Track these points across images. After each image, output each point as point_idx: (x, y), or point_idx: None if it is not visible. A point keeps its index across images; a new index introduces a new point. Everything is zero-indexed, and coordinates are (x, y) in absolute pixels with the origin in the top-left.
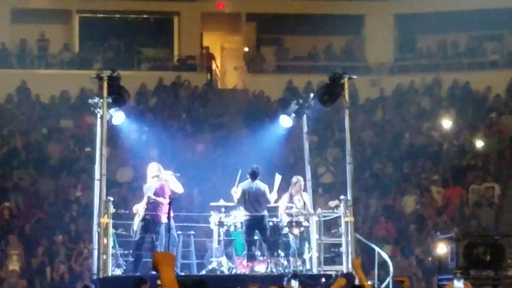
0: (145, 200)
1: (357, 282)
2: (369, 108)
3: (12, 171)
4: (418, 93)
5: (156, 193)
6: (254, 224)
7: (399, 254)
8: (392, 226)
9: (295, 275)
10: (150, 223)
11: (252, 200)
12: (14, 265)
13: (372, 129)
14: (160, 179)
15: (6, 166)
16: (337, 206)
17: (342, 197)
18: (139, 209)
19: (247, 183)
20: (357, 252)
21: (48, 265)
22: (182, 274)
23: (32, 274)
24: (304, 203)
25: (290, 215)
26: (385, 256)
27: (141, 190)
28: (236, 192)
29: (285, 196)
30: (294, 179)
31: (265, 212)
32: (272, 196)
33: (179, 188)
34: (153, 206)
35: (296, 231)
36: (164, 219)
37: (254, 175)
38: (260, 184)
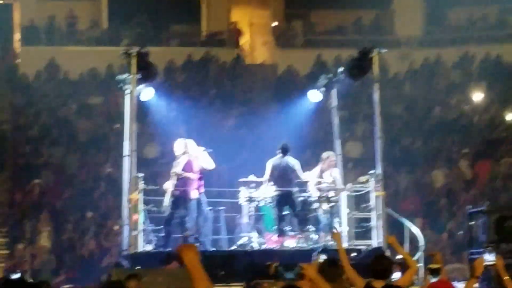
0: (173, 176)
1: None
2: (399, 82)
3: (42, 148)
4: (447, 66)
5: (183, 169)
6: (284, 199)
7: (429, 228)
8: (422, 201)
9: (325, 250)
10: (179, 199)
11: (282, 175)
12: (44, 241)
13: (402, 103)
14: (190, 155)
15: (37, 143)
16: (366, 181)
17: (372, 171)
18: (169, 185)
19: (277, 159)
20: (387, 227)
21: (78, 242)
22: (212, 249)
23: (62, 251)
24: (334, 178)
25: (320, 190)
26: (415, 230)
27: (168, 166)
28: (268, 169)
29: (315, 171)
30: (325, 154)
31: (295, 188)
32: (304, 174)
33: (210, 164)
34: (182, 182)
35: (326, 206)
36: (193, 195)
37: (284, 151)
38: (290, 160)
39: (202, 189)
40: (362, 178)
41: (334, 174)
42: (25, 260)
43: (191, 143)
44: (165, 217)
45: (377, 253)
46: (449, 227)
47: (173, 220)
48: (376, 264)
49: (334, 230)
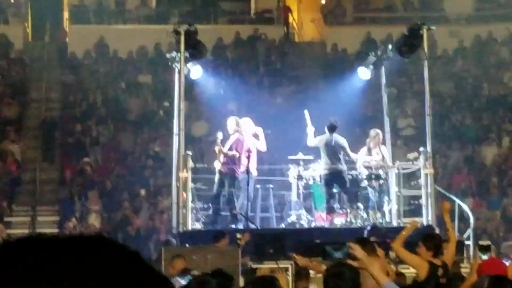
0: (219, 154)
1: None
2: (448, 59)
3: (92, 127)
4: (497, 43)
5: (231, 147)
6: (333, 177)
7: (481, 206)
8: (473, 178)
9: (374, 228)
10: (226, 177)
11: (331, 153)
12: (94, 219)
13: (451, 81)
14: (240, 133)
15: (86, 121)
16: (416, 158)
17: (421, 149)
18: (217, 163)
19: (325, 136)
20: (437, 204)
21: (128, 220)
22: (262, 227)
23: (112, 229)
24: (383, 155)
25: (369, 168)
26: (465, 207)
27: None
28: (312, 139)
29: (364, 149)
30: (373, 132)
31: (344, 165)
32: (352, 153)
33: (263, 146)
34: (229, 160)
35: (375, 183)
36: (241, 173)
37: (332, 128)
38: (339, 138)
39: (252, 167)
40: (411, 155)
41: (383, 152)
42: None
43: (248, 122)
44: (212, 195)
45: (431, 230)
46: (502, 205)
47: (220, 198)
48: (432, 241)
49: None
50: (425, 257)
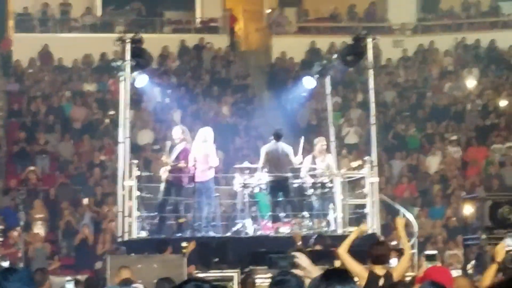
0: (165, 163)
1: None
2: (392, 69)
3: (36, 136)
4: (440, 53)
5: (177, 157)
6: (278, 186)
7: (424, 215)
8: (416, 187)
9: (319, 236)
10: (172, 186)
11: (276, 161)
12: (39, 228)
13: (395, 90)
14: (187, 143)
15: (31, 130)
16: (359, 166)
17: (366, 157)
18: (163, 171)
19: (270, 145)
20: (381, 213)
21: (73, 229)
22: (207, 236)
23: (57, 238)
24: (328, 164)
25: (313, 176)
26: (409, 216)
27: (161, 153)
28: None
29: (308, 158)
30: (316, 140)
31: (289, 174)
32: (296, 159)
33: (215, 162)
34: (176, 169)
35: (320, 192)
36: (187, 182)
37: (278, 137)
38: (284, 146)
39: (201, 176)
40: (354, 164)
41: (327, 160)
42: (19, 248)
43: (210, 135)
44: (158, 203)
45: (375, 239)
46: (444, 214)
47: (166, 206)
48: (375, 250)
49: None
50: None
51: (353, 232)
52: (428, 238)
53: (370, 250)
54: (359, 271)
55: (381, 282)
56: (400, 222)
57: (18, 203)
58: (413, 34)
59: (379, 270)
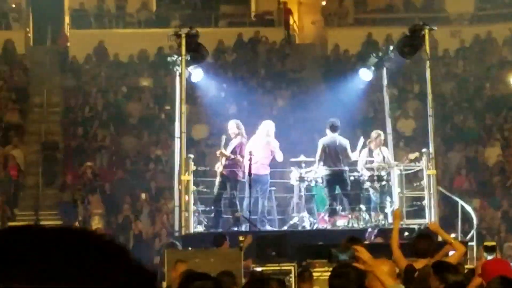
0: (221, 157)
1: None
2: (449, 60)
3: (93, 131)
4: (498, 43)
5: (233, 151)
6: (335, 179)
7: (483, 207)
8: (475, 179)
9: (380, 230)
10: (227, 180)
11: (333, 155)
12: (97, 223)
13: (453, 81)
14: (242, 137)
15: (88, 126)
16: (416, 159)
17: (423, 150)
18: (218, 166)
19: (327, 138)
20: (439, 205)
21: (130, 223)
22: (264, 230)
23: (114, 233)
24: (384, 156)
25: (370, 169)
26: (468, 208)
27: (216, 148)
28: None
29: (365, 151)
30: (374, 133)
31: (346, 167)
32: (353, 155)
33: (280, 156)
34: (231, 163)
35: (377, 185)
36: (242, 176)
37: (333, 128)
38: (341, 139)
39: (258, 170)
40: (412, 156)
41: (384, 153)
42: None
43: (272, 128)
44: (213, 197)
45: (420, 232)
46: (504, 205)
47: (222, 200)
48: (418, 244)
49: (395, 208)
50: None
51: (395, 221)
52: (488, 230)
53: (414, 243)
54: (400, 262)
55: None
56: (433, 227)
57: (76, 198)
58: (470, 24)
59: (419, 263)
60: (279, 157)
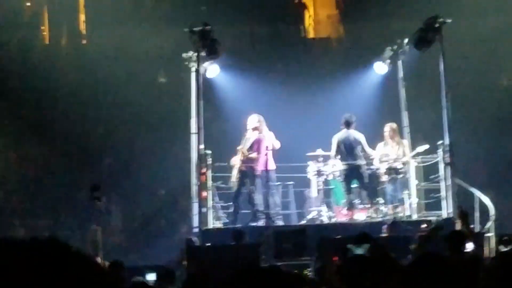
0: (239, 152)
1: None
2: (465, 51)
3: (111, 128)
4: None
5: (251, 147)
6: (352, 173)
7: (501, 198)
8: (492, 170)
9: (395, 222)
10: (246, 175)
11: (348, 150)
12: (115, 221)
13: (469, 72)
14: (260, 132)
15: (106, 123)
16: (426, 151)
17: (440, 142)
18: (236, 161)
19: (342, 134)
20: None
21: (149, 220)
22: (282, 224)
23: (133, 230)
24: (401, 149)
25: (386, 162)
26: (486, 200)
27: (235, 143)
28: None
29: (380, 144)
30: (386, 127)
31: (362, 161)
32: (369, 150)
33: (277, 144)
34: (248, 158)
35: (394, 177)
36: (260, 171)
37: (348, 124)
38: (355, 134)
39: (272, 165)
40: (421, 148)
41: (401, 145)
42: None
43: (260, 118)
44: (232, 193)
45: (451, 223)
46: None
47: (240, 196)
48: (452, 239)
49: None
50: None
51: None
52: (505, 222)
53: (447, 238)
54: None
55: None
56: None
57: (95, 196)
58: (486, 16)
59: None
60: (277, 145)
